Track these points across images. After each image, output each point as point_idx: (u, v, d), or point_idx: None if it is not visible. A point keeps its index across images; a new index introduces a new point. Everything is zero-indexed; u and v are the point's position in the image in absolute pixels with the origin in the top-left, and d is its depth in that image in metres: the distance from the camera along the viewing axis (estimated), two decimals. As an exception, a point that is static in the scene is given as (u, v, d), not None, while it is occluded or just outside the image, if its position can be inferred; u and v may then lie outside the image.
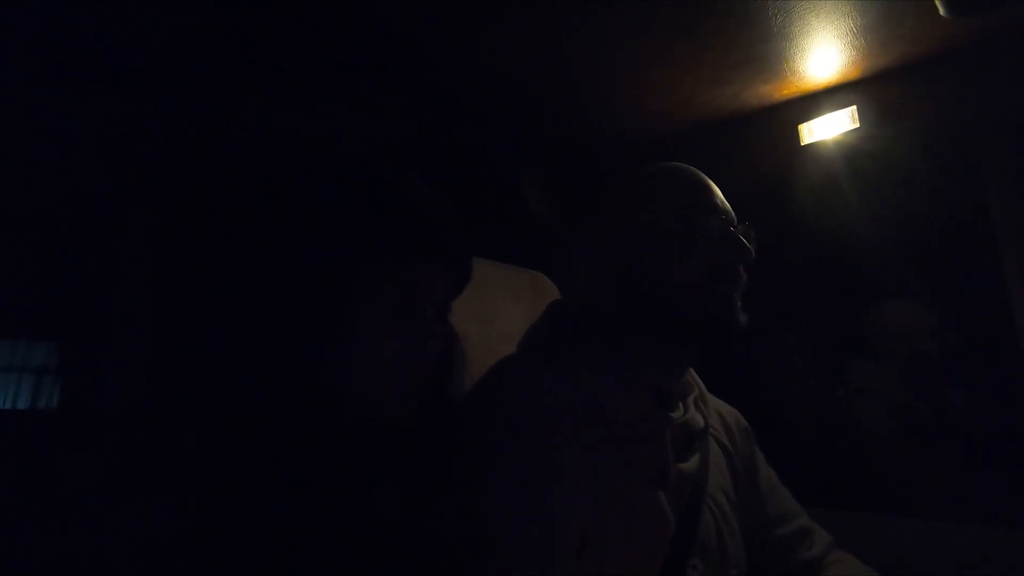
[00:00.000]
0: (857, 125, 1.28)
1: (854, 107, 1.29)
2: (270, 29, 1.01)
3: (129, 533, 0.51)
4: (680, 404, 0.77)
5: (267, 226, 0.59)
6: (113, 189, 1.03)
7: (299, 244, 0.56)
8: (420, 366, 0.58)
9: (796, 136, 1.37)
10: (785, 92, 1.34)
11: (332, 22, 1.05)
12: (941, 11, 0.96)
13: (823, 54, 1.19)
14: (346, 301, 0.55)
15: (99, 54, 0.95)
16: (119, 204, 1.02)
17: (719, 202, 0.75)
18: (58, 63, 0.94)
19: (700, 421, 0.77)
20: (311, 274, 0.56)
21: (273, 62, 1.10)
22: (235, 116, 1.11)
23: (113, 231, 1.00)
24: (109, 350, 0.95)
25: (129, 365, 0.94)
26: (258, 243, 0.60)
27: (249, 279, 0.60)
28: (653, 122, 1.50)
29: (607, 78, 1.28)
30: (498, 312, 1.15)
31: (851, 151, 1.33)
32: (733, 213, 0.76)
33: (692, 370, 0.86)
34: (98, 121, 1.02)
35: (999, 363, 1.33)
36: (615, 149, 1.63)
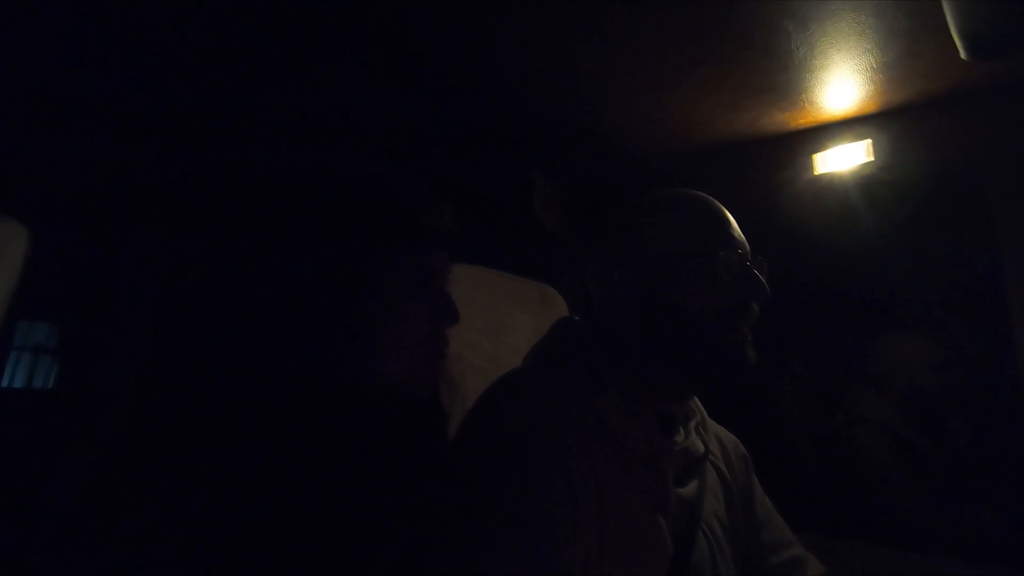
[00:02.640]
0: (872, 158, 1.29)
1: (869, 140, 1.30)
2: (280, 36, 1.02)
3: (127, 516, 0.52)
4: (682, 429, 0.78)
5: (299, 230, 0.63)
6: (130, 176, 1.05)
7: (331, 244, 0.62)
8: (443, 339, 0.66)
9: (809, 165, 1.37)
10: (801, 121, 1.35)
11: (345, 53, 1.08)
12: (962, 54, 0.97)
13: (841, 87, 1.20)
14: (377, 288, 0.62)
15: (110, 57, 0.96)
16: (133, 191, 1.03)
17: (737, 236, 0.76)
18: (68, 67, 0.96)
19: (700, 447, 0.79)
20: (343, 268, 0.62)
21: (287, 70, 1.11)
22: (232, 110, 1.12)
23: (125, 221, 1.01)
24: (111, 333, 0.96)
25: (131, 348, 0.95)
26: (246, 233, 0.64)
27: (237, 270, 0.63)
28: (668, 141, 1.51)
29: (625, 96, 1.29)
30: (507, 324, 1.17)
31: (863, 183, 1.34)
32: (748, 247, 0.76)
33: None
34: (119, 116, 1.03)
35: (1000, 399, 1.33)
36: (629, 166, 1.64)
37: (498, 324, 1.15)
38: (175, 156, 1.07)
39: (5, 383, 0.92)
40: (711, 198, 0.79)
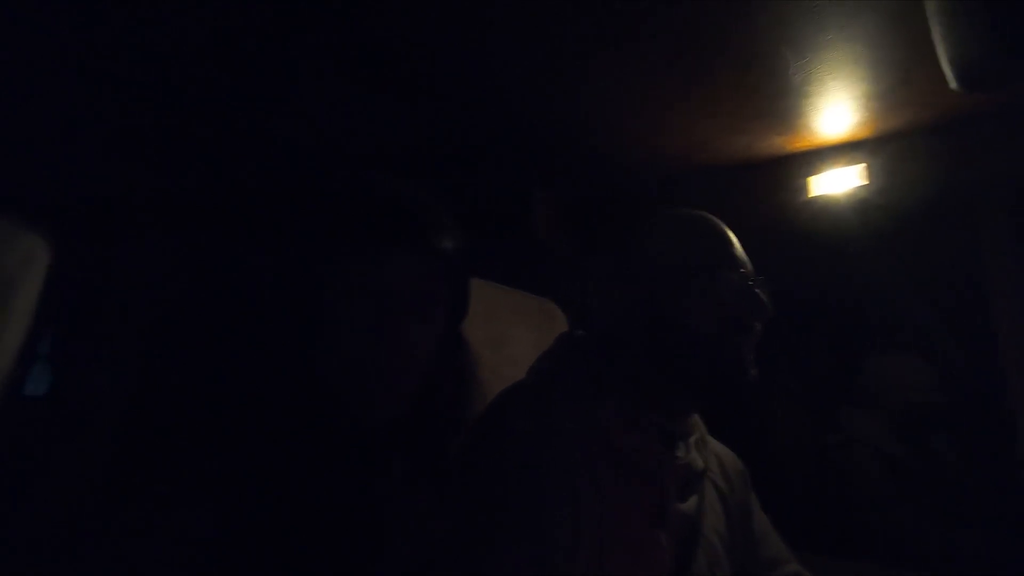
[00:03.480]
0: (866, 182, 1.32)
1: (864, 164, 1.33)
2: (279, 47, 1.02)
3: (118, 520, 0.52)
4: (683, 445, 0.79)
5: (243, 222, 0.61)
6: (114, 184, 1.05)
7: (272, 237, 0.59)
8: (402, 353, 0.57)
9: (804, 188, 1.41)
10: (797, 145, 1.39)
11: (345, 65, 1.08)
12: (951, 85, 1.00)
13: (836, 113, 1.23)
14: (319, 290, 0.56)
15: (102, 55, 0.96)
16: (119, 198, 1.03)
17: (739, 255, 0.77)
18: (63, 64, 0.96)
19: (700, 463, 0.79)
20: (284, 264, 0.58)
21: (278, 73, 1.11)
22: (231, 120, 1.12)
23: (112, 225, 1.01)
24: (102, 341, 0.96)
25: (120, 356, 0.95)
26: (237, 240, 0.62)
27: (229, 276, 0.62)
28: (666, 161, 1.54)
29: (625, 115, 1.32)
30: (508, 337, 1.18)
31: (857, 206, 1.38)
32: (751, 267, 0.78)
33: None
34: (97, 118, 1.03)
35: (989, 420, 1.35)
36: (627, 183, 1.67)
37: (498, 336, 1.16)
38: (169, 165, 1.07)
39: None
40: (714, 218, 0.81)
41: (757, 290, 0.75)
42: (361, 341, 0.55)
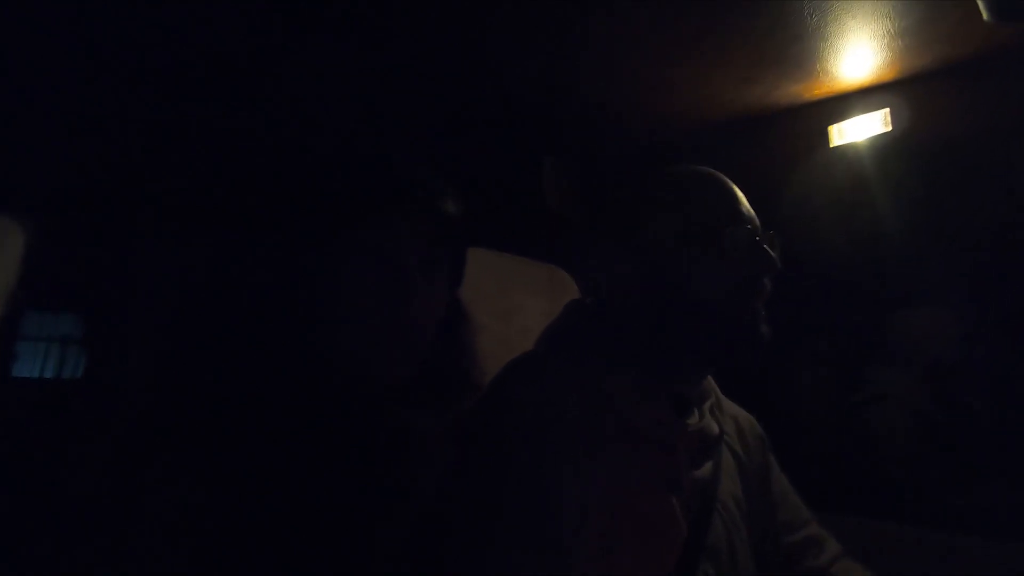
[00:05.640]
0: (890, 128, 1.25)
1: (887, 109, 1.26)
2: (282, 20, 1.01)
3: (143, 501, 0.52)
4: (696, 411, 0.77)
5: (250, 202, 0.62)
6: (136, 173, 1.05)
7: (277, 211, 0.61)
8: (409, 318, 0.60)
9: (825, 137, 1.34)
10: (816, 92, 1.31)
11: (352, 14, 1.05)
12: (985, 16, 0.93)
13: (858, 55, 1.16)
14: (325, 259, 0.58)
15: (111, 50, 0.96)
16: (141, 189, 1.04)
17: (746, 211, 0.74)
18: (76, 61, 0.95)
19: (715, 428, 0.78)
20: (291, 235, 0.59)
21: (290, 53, 1.09)
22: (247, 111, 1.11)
23: (132, 218, 1.01)
24: (130, 325, 0.98)
25: (147, 340, 0.96)
26: (248, 223, 0.63)
27: (242, 258, 0.62)
28: (676, 119, 1.48)
29: (630, 73, 1.26)
30: (517, 306, 1.16)
31: (880, 154, 1.31)
32: (758, 222, 0.75)
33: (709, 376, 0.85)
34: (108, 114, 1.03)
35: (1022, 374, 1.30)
36: (636, 145, 1.62)
37: (509, 306, 1.14)
38: (183, 153, 1.07)
39: (26, 373, 0.94)
40: (718, 173, 0.78)
41: (765, 245, 0.71)
42: (374, 303, 0.58)
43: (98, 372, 0.95)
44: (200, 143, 1.07)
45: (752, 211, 0.75)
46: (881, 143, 1.28)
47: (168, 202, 0.98)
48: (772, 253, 0.71)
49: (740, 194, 0.76)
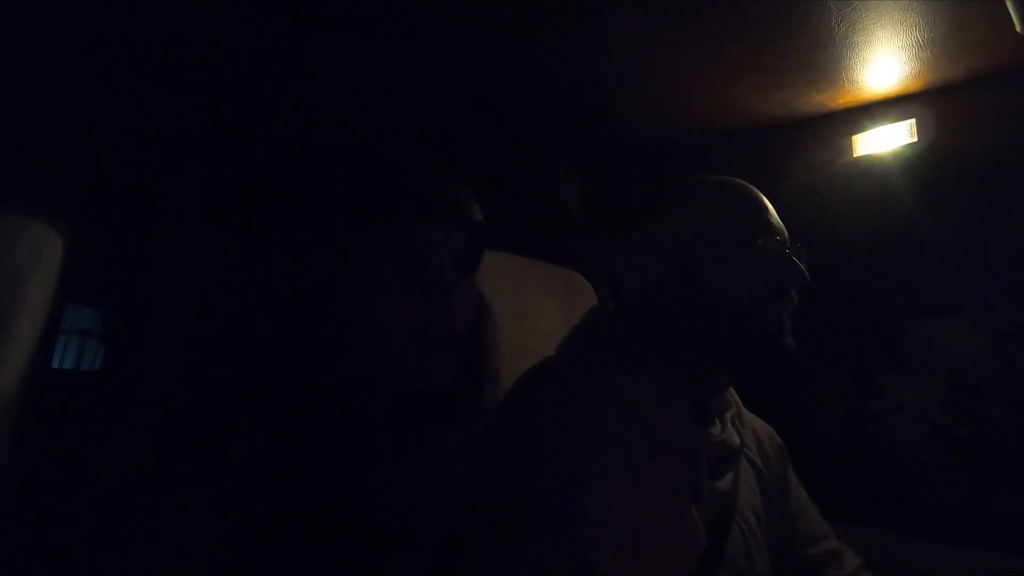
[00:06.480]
0: (915, 139, 1.24)
1: (913, 120, 1.24)
2: (299, 16, 1.01)
3: (162, 498, 0.53)
4: (718, 421, 0.77)
5: (282, 207, 0.62)
6: (158, 169, 1.06)
7: (312, 220, 0.59)
8: (448, 326, 0.59)
9: (848, 147, 1.33)
10: (840, 101, 1.30)
11: (368, 35, 1.06)
12: (1018, 27, 0.91)
13: (885, 64, 1.15)
14: (364, 268, 0.57)
15: (130, 48, 0.96)
16: (164, 182, 1.04)
17: (775, 222, 0.74)
18: (92, 57, 0.96)
19: (736, 439, 0.77)
20: (328, 246, 0.58)
21: (309, 50, 1.10)
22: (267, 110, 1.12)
23: (155, 209, 1.02)
24: (152, 318, 0.98)
25: (168, 333, 0.97)
26: (276, 225, 0.62)
27: (272, 259, 0.62)
28: (699, 125, 1.47)
29: (654, 77, 1.26)
30: (532, 309, 1.16)
31: (905, 165, 1.29)
32: (787, 233, 0.74)
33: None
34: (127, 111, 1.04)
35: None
36: (658, 150, 1.61)
37: (523, 309, 1.14)
38: (203, 149, 1.07)
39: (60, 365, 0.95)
40: (748, 184, 0.77)
41: (794, 257, 0.71)
42: (409, 313, 0.57)
43: (145, 372, 0.96)
44: (234, 148, 1.08)
45: (781, 223, 0.75)
46: (906, 154, 1.27)
47: (205, 209, 0.98)
48: (801, 265, 0.71)
49: (769, 205, 0.75)
